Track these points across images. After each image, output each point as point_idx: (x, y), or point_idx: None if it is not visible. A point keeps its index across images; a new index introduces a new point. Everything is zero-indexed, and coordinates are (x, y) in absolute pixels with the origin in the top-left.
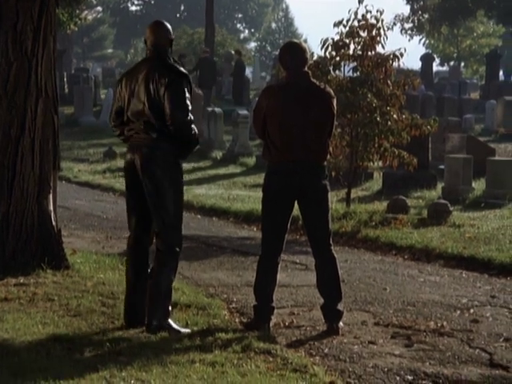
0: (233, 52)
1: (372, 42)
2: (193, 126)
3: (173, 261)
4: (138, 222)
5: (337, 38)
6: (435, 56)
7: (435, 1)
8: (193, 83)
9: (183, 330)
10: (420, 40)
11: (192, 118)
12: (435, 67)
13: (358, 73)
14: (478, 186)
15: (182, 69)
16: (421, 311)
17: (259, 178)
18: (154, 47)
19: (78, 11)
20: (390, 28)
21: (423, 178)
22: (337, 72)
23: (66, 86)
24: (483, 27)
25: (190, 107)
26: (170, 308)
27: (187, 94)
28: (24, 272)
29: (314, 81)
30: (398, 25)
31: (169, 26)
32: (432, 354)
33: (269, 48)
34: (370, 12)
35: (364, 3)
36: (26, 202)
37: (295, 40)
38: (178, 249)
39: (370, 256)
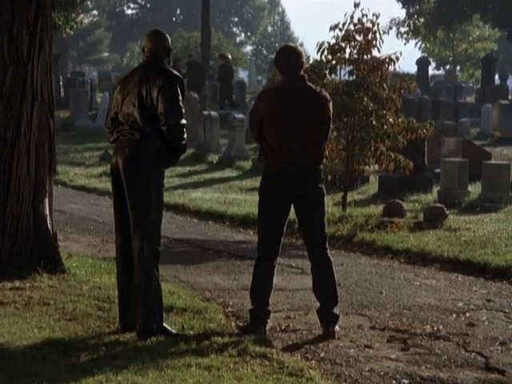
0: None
1: (368, 45)
2: (184, 130)
3: (153, 262)
4: (126, 224)
5: (333, 41)
6: (431, 60)
7: (431, 5)
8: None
9: (175, 332)
10: (416, 44)
11: (185, 122)
12: (431, 71)
13: (354, 76)
14: (474, 189)
15: (175, 72)
16: (417, 315)
17: (255, 182)
18: (151, 54)
19: (73, 15)
20: (386, 32)
21: (419, 181)
22: (333, 76)
23: (61, 90)
24: (479, 31)
25: (183, 110)
26: (160, 310)
27: (180, 97)
28: (20, 276)
29: (310, 84)
30: (394, 28)
31: (167, 36)
32: (428, 358)
33: (265, 52)
34: (366, 16)
35: (360, 7)
36: (21, 205)
37: (291, 44)
38: (157, 250)
39: (366, 260)
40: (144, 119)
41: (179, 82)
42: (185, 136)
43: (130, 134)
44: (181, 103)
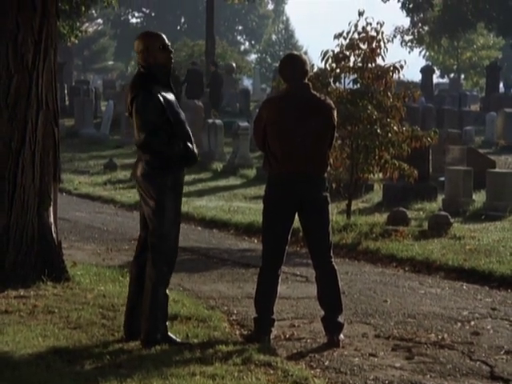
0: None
1: (372, 54)
2: (159, 139)
3: (162, 272)
4: (146, 234)
5: (337, 50)
6: (435, 68)
7: (435, 13)
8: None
9: (179, 340)
10: (420, 52)
11: (151, 132)
12: (435, 79)
13: (359, 85)
14: (479, 198)
15: (149, 84)
16: (421, 323)
17: (260, 190)
18: (140, 60)
19: (78, 24)
20: (390, 40)
21: (424, 189)
22: (337, 84)
23: (66, 98)
24: (483, 39)
25: (151, 122)
26: (164, 320)
27: (149, 110)
28: (24, 284)
29: (315, 92)
30: (398, 37)
31: (158, 36)
32: (433, 367)
33: (269, 60)
34: (371, 24)
35: (364, 15)
36: (26, 214)
37: (295, 52)
38: (171, 261)
39: (371, 268)
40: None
41: (147, 94)
42: (156, 149)
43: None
44: (146, 119)
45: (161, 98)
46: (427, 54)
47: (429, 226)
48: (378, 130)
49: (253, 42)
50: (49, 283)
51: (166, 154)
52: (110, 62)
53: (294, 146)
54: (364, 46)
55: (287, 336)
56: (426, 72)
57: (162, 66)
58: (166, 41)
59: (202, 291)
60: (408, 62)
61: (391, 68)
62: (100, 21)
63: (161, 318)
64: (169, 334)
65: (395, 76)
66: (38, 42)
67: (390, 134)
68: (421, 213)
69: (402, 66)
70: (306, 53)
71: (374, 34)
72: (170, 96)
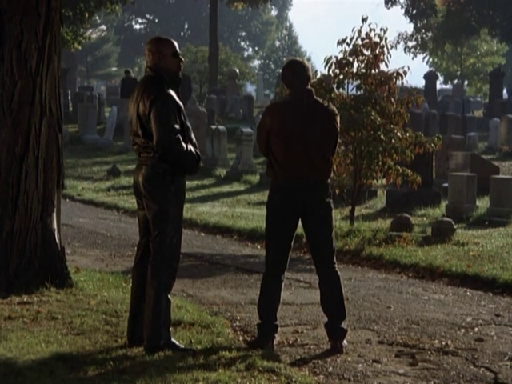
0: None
1: (376, 60)
2: (182, 144)
3: (164, 278)
4: (147, 240)
5: (340, 56)
6: (439, 74)
7: (439, 19)
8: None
9: (183, 346)
10: (423, 58)
11: (177, 137)
12: (439, 85)
13: (362, 91)
14: (482, 203)
15: (165, 88)
16: (425, 330)
17: (263, 196)
18: (151, 65)
19: (82, 30)
20: (394, 46)
21: (427, 195)
22: (340, 90)
23: (70, 104)
24: (487, 45)
25: (175, 126)
26: (167, 326)
27: (172, 113)
28: (27, 290)
29: (318, 98)
30: (402, 43)
31: (168, 42)
32: (436, 373)
33: (272, 66)
34: (374, 30)
35: (368, 22)
36: (29, 220)
37: (298, 58)
38: (173, 266)
39: (374, 274)
40: (150, 138)
41: (169, 97)
42: (183, 150)
43: (145, 153)
44: (171, 120)
45: (177, 101)
46: (431, 60)
47: (432, 232)
48: (382, 136)
49: (256, 48)
50: (52, 289)
51: (183, 158)
52: (114, 68)
53: (297, 152)
54: (367, 52)
55: (290, 342)
56: (430, 78)
57: (171, 72)
58: (178, 48)
59: (205, 297)
60: (411, 68)
61: (394, 74)
62: (103, 27)
63: (163, 323)
64: (172, 339)
65: (398, 82)
66: (41, 48)
67: (393, 140)
68: (424, 219)
69: (405, 72)
70: (309, 59)
71: (377, 40)
72: (180, 101)
